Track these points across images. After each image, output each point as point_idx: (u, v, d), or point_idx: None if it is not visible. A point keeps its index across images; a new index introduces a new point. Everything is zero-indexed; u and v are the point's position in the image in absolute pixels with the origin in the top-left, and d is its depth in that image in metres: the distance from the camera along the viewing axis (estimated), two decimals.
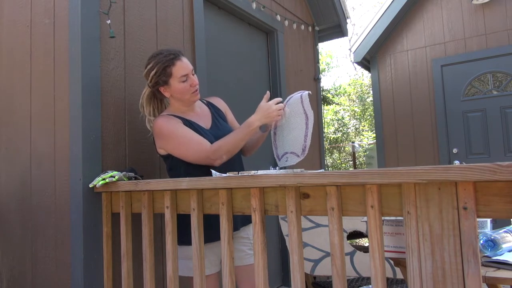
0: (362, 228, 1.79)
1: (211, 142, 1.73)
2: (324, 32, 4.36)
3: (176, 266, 1.61)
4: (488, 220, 1.89)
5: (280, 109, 1.72)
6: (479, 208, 0.99)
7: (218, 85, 2.80)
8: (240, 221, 1.84)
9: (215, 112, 1.94)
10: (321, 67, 8.96)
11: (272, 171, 1.37)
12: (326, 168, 6.84)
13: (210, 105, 1.96)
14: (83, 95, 1.81)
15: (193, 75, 1.78)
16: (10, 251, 2.03)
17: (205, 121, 1.86)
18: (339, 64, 15.66)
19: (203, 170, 1.72)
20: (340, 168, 9.61)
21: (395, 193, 1.11)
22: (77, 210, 1.77)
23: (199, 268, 1.51)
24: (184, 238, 1.69)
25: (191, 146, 1.71)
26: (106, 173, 1.76)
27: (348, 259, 1.75)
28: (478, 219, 1.24)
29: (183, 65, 1.74)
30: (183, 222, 1.66)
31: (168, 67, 1.72)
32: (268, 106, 1.71)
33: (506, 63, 4.66)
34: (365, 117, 10.49)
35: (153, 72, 1.74)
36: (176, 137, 1.72)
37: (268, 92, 1.80)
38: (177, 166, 1.77)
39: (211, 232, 1.64)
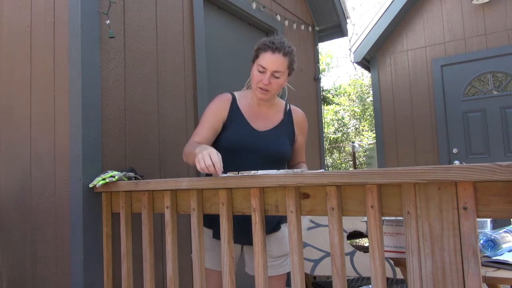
0: (362, 228, 1.79)
1: (251, 143, 1.68)
2: (324, 32, 4.36)
3: (176, 266, 1.61)
4: (488, 220, 1.89)
5: (204, 166, 1.44)
6: (479, 208, 0.99)
7: (218, 85, 2.80)
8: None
9: (287, 122, 1.81)
10: (321, 67, 8.96)
11: (272, 171, 1.37)
12: (326, 168, 6.84)
13: (288, 115, 1.82)
14: (83, 95, 1.81)
15: (275, 77, 1.66)
16: (10, 251, 2.03)
17: (265, 124, 1.75)
18: (339, 64, 15.66)
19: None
20: (340, 168, 9.61)
21: (395, 193, 1.11)
22: (77, 210, 1.77)
23: (199, 268, 1.51)
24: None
25: (196, 130, 1.74)
26: (106, 173, 1.76)
27: (348, 259, 1.75)
28: (478, 219, 1.24)
29: (270, 58, 1.63)
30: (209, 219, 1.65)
31: (260, 50, 1.67)
32: (202, 154, 1.46)
33: (506, 63, 4.66)
34: (365, 117, 10.49)
35: (255, 47, 1.71)
36: (203, 115, 1.75)
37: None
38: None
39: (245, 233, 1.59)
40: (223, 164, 1.57)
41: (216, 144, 1.72)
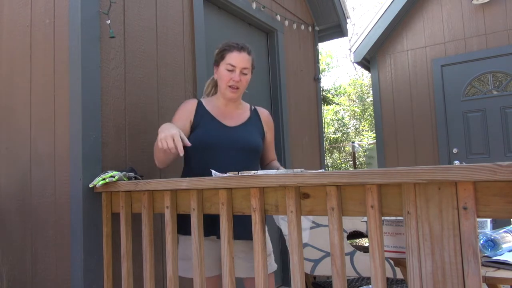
0: (362, 228, 1.79)
1: (223, 138, 1.76)
2: (324, 32, 4.36)
3: (176, 266, 1.61)
4: (488, 220, 1.89)
5: (163, 139, 1.56)
6: (479, 208, 0.99)
7: None
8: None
9: (254, 118, 1.92)
10: (321, 67, 8.96)
11: (272, 171, 1.37)
12: (326, 168, 6.84)
13: (254, 112, 1.94)
14: (83, 95, 1.81)
15: (244, 74, 1.78)
16: (10, 251, 2.03)
17: (235, 120, 1.85)
18: (339, 64, 15.66)
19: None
20: (340, 168, 9.61)
21: (395, 193, 1.11)
22: (77, 210, 1.77)
23: (199, 268, 1.51)
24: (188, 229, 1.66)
25: None
26: (106, 173, 1.76)
27: (348, 259, 1.75)
28: (478, 219, 1.24)
29: (238, 57, 1.77)
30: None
31: (226, 50, 1.79)
32: (165, 135, 1.55)
33: (506, 63, 4.66)
34: (365, 117, 10.49)
35: (216, 51, 1.85)
36: (172, 120, 1.81)
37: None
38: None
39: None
40: (201, 162, 1.72)
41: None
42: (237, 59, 1.76)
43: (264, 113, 1.97)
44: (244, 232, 1.66)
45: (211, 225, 1.67)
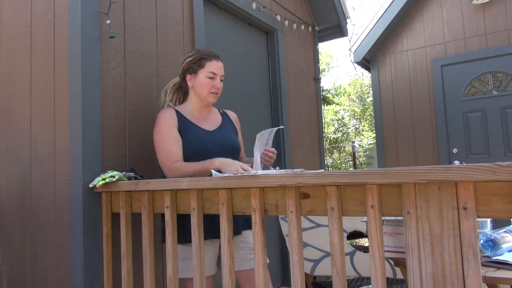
0: (362, 228, 1.79)
1: (209, 143, 1.81)
2: (324, 32, 4.36)
3: (176, 266, 1.61)
4: (488, 220, 1.89)
5: (242, 172, 1.64)
6: (479, 208, 0.99)
7: None
8: (242, 225, 1.84)
9: (227, 120, 2.02)
10: (321, 67, 8.96)
11: (272, 171, 1.37)
12: (326, 168, 6.84)
13: (224, 115, 2.04)
14: (83, 95, 1.81)
15: (221, 80, 1.90)
16: (10, 251, 2.03)
17: (212, 125, 1.93)
18: (339, 64, 15.66)
19: None
20: (340, 168, 9.61)
21: (395, 193, 1.11)
22: (77, 210, 1.77)
23: (199, 268, 1.51)
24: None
25: (163, 150, 1.79)
26: (106, 173, 1.76)
27: (348, 259, 1.75)
28: (478, 219, 1.24)
29: (217, 65, 1.88)
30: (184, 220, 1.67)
31: (204, 59, 1.86)
32: (235, 167, 1.64)
33: (506, 63, 4.66)
34: (365, 117, 10.49)
35: (189, 59, 1.89)
36: (160, 134, 1.81)
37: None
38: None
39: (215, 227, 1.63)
40: None
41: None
42: (217, 67, 1.87)
43: (233, 115, 2.09)
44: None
45: (208, 228, 1.67)
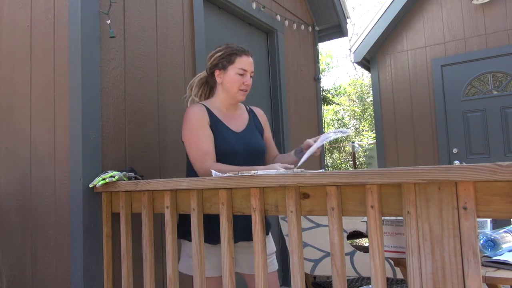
0: (362, 228, 1.79)
1: (237, 145, 1.75)
2: (324, 32, 4.36)
3: (176, 266, 1.61)
4: (488, 220, 1.89)
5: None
6: (479, 208, 0.99)
7: None
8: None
9: (253, 120, 1.94)
10: (321, 67, 8.96)
11: (272, 171, 1.37)
12: (326, 168, 6.84)
13: (251, 113, 1.96)
14: (83, 95, 1.81)
15: (251, 77, 1.82)
16: (10, 251, 2.03)
17: (239, 125, 1.86)
18: (339, 64, 15.66)
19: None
20: (340, 168, 9.61)
21: (395, 193, 1.11)
22: (77, 210, 1.77)
23: (199, 268, 1.51)
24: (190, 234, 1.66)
25: (195, 148, 1.71)
26: (106, 173, 1.76)
27: (348, 259, 1.75)
28: (478, 219, 1.24)
29: (248, 61, 1.80)
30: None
31: (234, 55, 1.78)
32: (275, 168, 1.63)
33: (506, 63, 4.66)
34: (365, 117, 10.49)
35: (218, 54, 1.80)
36: (192, 131, 1.73)
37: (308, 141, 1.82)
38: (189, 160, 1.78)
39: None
40: None
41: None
42: (247, 63, 1.80)
43: (260, 112, 2.01)
44: (246, 234, 1.68)
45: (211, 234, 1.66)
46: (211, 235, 1.63)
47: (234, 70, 1.78)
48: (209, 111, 1.78)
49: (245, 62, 1.79)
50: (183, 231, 1.71)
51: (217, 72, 1.81)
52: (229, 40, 3.00)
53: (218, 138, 1.75)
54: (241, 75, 1.78)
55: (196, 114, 1.75)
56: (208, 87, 1.94)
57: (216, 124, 1.77)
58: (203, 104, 1.81)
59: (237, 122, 1.86)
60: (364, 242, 5.05)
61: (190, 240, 1.70)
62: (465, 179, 0.97)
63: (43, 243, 1.90)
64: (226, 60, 1.79)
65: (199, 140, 1.71)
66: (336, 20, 4.20)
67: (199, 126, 1.73)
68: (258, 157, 1.83)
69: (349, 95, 11.05)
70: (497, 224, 1.99)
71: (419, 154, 5.08)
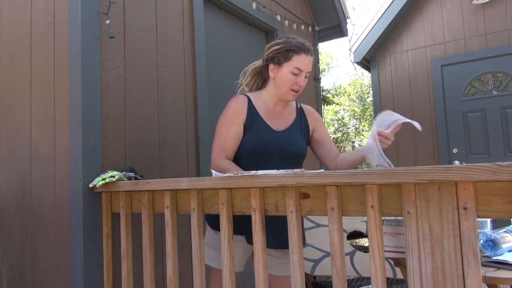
0: (362, 228, 1.79)
1: (271, 144, 1.68)
2: (324, 32, 4.36)
3: (176, 266, 1.61)
4: (488, 220, 1.89)
5: None
6: (479, 208, 0.99)
7: (218, 85, 2.80)
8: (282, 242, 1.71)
9: (300, 120, 1.83)
10: (321, 67, 8.96)
11: (272, 171, 1.37)
12: (326, 168, 6.82)
13: (300, 112, 1.85)
14: (83, 95, 1.81)
15: (306, 77, 1.71)
16: (10, 251, 2.03)
17: (282, 123, 1.76)
18: (339, 64, 15.66)
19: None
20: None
21: (395, 193, 1.11)
22: (77, 210, 1.77)
23: (199, 269, 1.51)
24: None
25: (217, 139, 1.69)
26: (106, 173, 1.76)
27: (348, 259, 1.75)
28: (478, 219, 1.24)
29: (305, 61, 1.68)
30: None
31: (292, 52, 1.66)
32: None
33: (506, 63, 4.66)
34: (365, 117, 10.49)
35: (276, 47, 1.69)
36: (223, 123, 1.70)
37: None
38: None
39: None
40: (249, 166, 1.64)
41: (238, 148, 1.71)
42: (305, 63, 1.67)
43: (309, 111, 1.88)
44: (280, 241, 1.61)
45: (241, 226, 1.62)
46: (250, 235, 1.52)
47: (289, 68, 1.67)
48: (250, 105, 1.71)
49: (302, 61, 1.66)
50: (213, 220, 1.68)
51: (271, 66, 1.72)
52: (229, 40, 3.00)
53: (251, 134, 1.69)
54: (296, 74, 1.67)
55: (233, 108, 1.70)
56: (261, 78, 1.83)
57: (253, 120, 1.70)
58: (247, 97, 1.73)
59: (281, 120, 1.76)
60: (364, 242, 5.05)
61: (214, 229, 1.69)
62: (465, 179, 0.97)
63: (43, 243, 1.90)
64: (282, 55, 1.68)
65: (224, 134, 1.68)
66: (336, 20, 4.20)
67: (231, 120, 1.68)
68: (294, 160, 1.73)
69: (349, 95, 11.05)
70: (497, 224, 1.99)
71: (419, 154, 5.08)
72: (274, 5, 3.51)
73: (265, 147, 1.68)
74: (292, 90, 1.70)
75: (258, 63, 1.83)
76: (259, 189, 1.36)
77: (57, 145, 1.89)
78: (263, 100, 1.76)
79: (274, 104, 1.77)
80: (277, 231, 1.56)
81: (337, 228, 1.20)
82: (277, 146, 1.69)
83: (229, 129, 1.68)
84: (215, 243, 1.69)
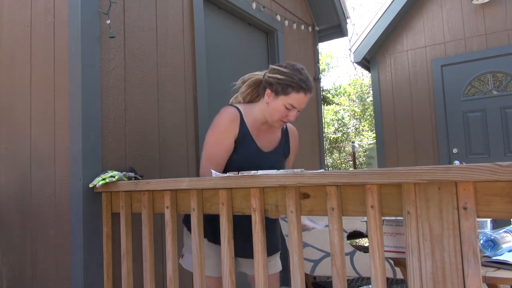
0: (362, 228, 1.79)
1: (258, 165, 1.69)
2: (324, 32, 4.36)
3: (176, 266, 1.61)
4: (488, 220, 1.89)
5: None
6: (479, 208, 0.99)
7: (218, 85, 2.80)
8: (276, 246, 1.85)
9: (284, 142, 1.88)
10: (321, 67, 8.97)
11: (272, 171, 1.37)
12: (326, 168, 6.84)
13: (285, 133, 1.89)
14: (83, 95, 1.81)
15: (298, 111, 1.73)
16: (10, 251, 2.03)
17: (269, 143, 1.80)
18: (339, 64, 15.67)
19: None
20: (340, 168, 9.61)
21: (395, 193, 1.11)
22: (77, 210, 1.77)
23: (199, 268, 1.51)
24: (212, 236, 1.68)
25: (207, 152, 1.69)
26: (106, 173, 1.76)
27: (348, 259, 1.75)
28: (478, 219, 1.24)
29: (302, 100, 1.69)
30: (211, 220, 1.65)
31: (292, 88, 1.66)
32: None
33: (506, 63, 4.66)
34: (365, 117, 10.49)
35: (279, 76, 1.68)
36: (213, 136, 1.70)
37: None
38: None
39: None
40: None
41: (226, 162, 1.72)
42: (301, 102, 1.69)
43: (293, 134, 1.93)
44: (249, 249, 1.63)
45: (217, 234, 1.65)
46: (217, 234, 1.58)
47: (284, 102, 1.67)
48: (241, 122, 1.72)
49: (299, 100, 1.67)
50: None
51: (268, 91, 1.71)
52: (229, 40, 3.00)
53: (241, 152, 1.70)
54: (289, 109, 1.69)
55: (226, 122, 1.70)
56: (257, 92, 1.83)
57: (243, 138, 1.71)
58: (238, 111, 1.74)
59: (268, 139, 1.80)
60: (364, 242, 5.05)
61: (210, 241, 1.70)
62: (465, 179, 0.97)
63: (43, 243, 1.90)
64: (281, 88, 1.66)
65: (214, 147, 1.68)
66: (336, 20, 4.20)
67: (222, 135, 1.68)
68: None
69: (349, 95, 11.05)
70: (497, 224, 1.99)
71: (419, 154, 5.08)
72: (274, 5, 3.51)
73: (253, 166, 1.68)
74: (281, 120, 1.72)
75: (259, 75, 1.81)
76: (259, 189, 1.36)
77: (57, 145, 1.89)
78: (253, 115, 1.76)
79: (262, 123, 1.78)
80: (246, 240, 1.55)
81: (337, 228, 1.20)
82: (263, 166, 1.70)
83: (220, 143, 1.68)
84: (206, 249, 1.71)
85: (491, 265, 1.56)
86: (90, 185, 1.76)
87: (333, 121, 10.47)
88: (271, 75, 1.70)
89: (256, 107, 1.78)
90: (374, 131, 6.97)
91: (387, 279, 2.01)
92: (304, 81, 1.67)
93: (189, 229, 1.72)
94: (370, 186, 1.13)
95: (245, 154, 1.70)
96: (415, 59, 5.20)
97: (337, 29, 4.32)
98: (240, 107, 1.76)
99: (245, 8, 3.05)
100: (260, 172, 1.36)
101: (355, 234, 2.02)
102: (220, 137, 1.68)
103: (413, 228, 1.07)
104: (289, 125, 1.93)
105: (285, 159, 1.89)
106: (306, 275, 2.01)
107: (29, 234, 1.96)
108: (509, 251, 1.68)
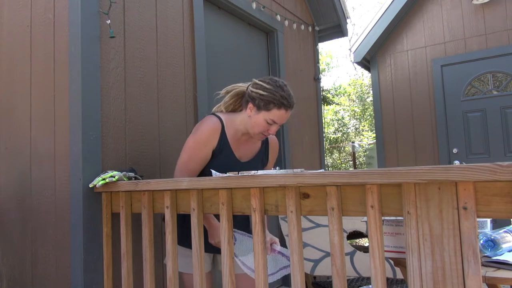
0: (362, 228, 1.79)
1: (233, 171, 1.72)
2: (324, 32, 4.35)
3: (176, 266, 1.61)
4: (488, 220, 1.89)
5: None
6: (479, 208, 0.99)
7: (217, 85, 2.79)
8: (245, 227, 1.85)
9: (264, 151, 1.92)
10: (321, 67, 8.97)
11: (272, 171, 1.37)
12: (326, 168, 6.84)
13: (265, 143, 1.93)
14: (83, 95, 1.81)
15: (279, 127, 1.77)
16: (10, 251, 2.03)
17: (247, 153, 1.84)
18: (339, 64, 15.67)
19: None
20: (340, 168, 9.61)
21: (395, 193, 1.11)
22: (77, 210, 1.77)
23: (199, 268, 1.51)
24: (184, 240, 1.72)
25: (184, 157, 1.74)
26: (106, 173, 1.76)
27: (348, 259, 1.75)
28: (478, 219, 1.24)
29: (283, 116, 1.73)
30: (182, 223, 1.69)
31: (273, 104, 1.70)
32: (218, 238, 1.69)
33: (506, 63, 4.66)
34: (365, 117, 10.49)
35: (261, 92, 1.71)
36: (193, 144, 1.74)
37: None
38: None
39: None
40: None
41: (202, 172, 1.77)
42: (282, 118, 1.73)
43: (273, 143, 1.97)
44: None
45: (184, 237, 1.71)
46: (189, 240, 1.60)
47: (265, 117, 1.71)
48: (222, 132, 1.76)
49: (280, 116, 1.71)
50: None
51: (250, 105, 1.74)
52: (229, 40, 3.00)
53: (217, 162, 1.75)
54: (270, 124, 1.73)
55: (207, 134, 1.74)
56: (240, 103, 1.86)
57: (222, 149, 1.75)
58: (221, 122, 1.77)
59: (248, 150, 1.84)
60: (364, 242, 5.05)
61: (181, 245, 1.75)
62: (465, 179, 0.97)
63: (43, 243, 1.90)
64: (263, 103, 1.70)
65: (191, 157, 1.73)
66: (336, 20, 4.20)
67: (202, 145, 1.73)
68: None
69: (349, 95, 11.05)
70: (497, 224, 1.99)
71: (419, 154, 5.08)
72: (274, 5, 3.51)
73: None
74: (262, 134, 1.76)
75: (243, 87, 1.84)
76: (259, 189, 1.36)
77: (57, 145, 1.89)
78: (235, 126, 1.80)
79: (243, 133, 1.82)
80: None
81: (337, 228, 1.20)
82: None
83: (198, 152, 1.73)
84: (181, 250, 1.74)
85: (491, 265, 1.56)
86: (90, 185, 1.76)
87: (333, 121, 10.47)
88: (254, 90, 1.74)
89: (238, 117, 1.81)
90: (374, 131, 6.97)
91: (387, 279, 2.01)
92: (286, 98, 1.72)
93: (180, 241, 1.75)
94: (370, 186, 1.13)
95: (222, 163, 1.74)
96: (415, 59, 5.20)
97: (337, 29, 4.32)
98: (223, 117, 1.80)
99: (245, 8, 3.05)
100: (260, 172, 1.36)
101: (355, 234, 2.02)
102: (199, 147, 1.74)
103: (413, 228, 1.07)
104: (270, 136, 1.95)
105: (263, 167, 1.93)
106: (306, 275, 2.01)
107: (29, 234, 1.96)
108: (509, 251, 1.68)
